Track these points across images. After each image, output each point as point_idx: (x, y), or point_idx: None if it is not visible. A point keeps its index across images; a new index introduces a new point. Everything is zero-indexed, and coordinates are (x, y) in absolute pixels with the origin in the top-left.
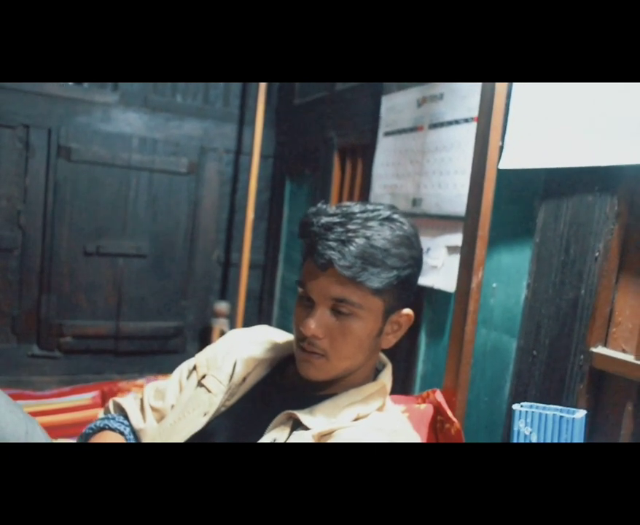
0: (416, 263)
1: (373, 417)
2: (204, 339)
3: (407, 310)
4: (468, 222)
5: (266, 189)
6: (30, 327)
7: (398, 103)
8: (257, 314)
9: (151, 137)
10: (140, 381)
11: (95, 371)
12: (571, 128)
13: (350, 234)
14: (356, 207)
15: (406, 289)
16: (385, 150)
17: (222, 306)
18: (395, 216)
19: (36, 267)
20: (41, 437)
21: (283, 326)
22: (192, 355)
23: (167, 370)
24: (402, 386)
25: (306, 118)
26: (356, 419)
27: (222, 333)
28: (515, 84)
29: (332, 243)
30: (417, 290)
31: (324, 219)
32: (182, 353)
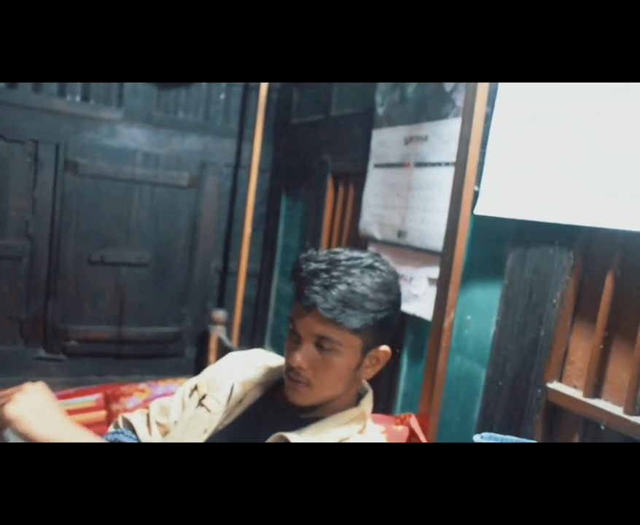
0: (393, 306)
1: (354, 439)
2: (202, 344)
3: (385, 347)
4: (442, 268)
5: (263, 203)
6: (36, 331)
7: (387, 139)
8: (253, 322)
9: (154, 152)
10: (141, 385)
11: (98, 373)
12: (539, 185)
13: (333, 280)
14: (342, 254)
15: (383, 329)
16: (374, 181)
17: (220, 314)
18: (376, 264)
19: (43, 275)
20: None
21: (277, 333)
22: (190, 359)
23: (166, 373)
24: (385, 403)
25: (302, 137)
26: (339, 441)
27: (219, 339)
28: (491, 134)
29: (317, 288)
30: (400, 318)
31: (312, 266)
32: (181, 357)
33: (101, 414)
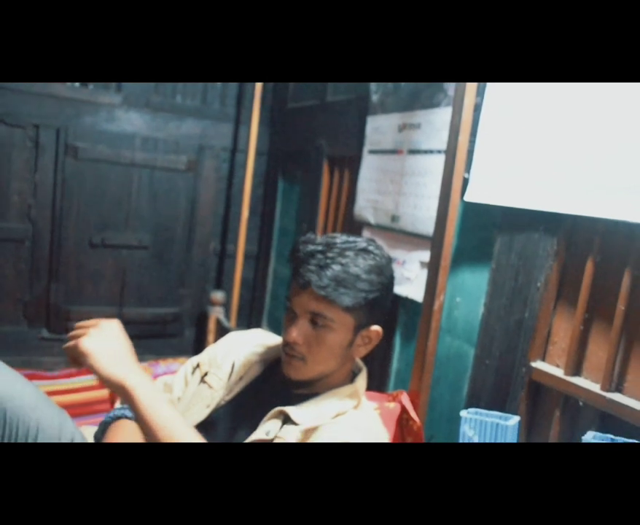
0: (385, 288)
1: (350, 414)
2: (200, 325)
3: (377, 327)
4: (432, 252)
5: (260, 185)
6: (40, 312)
7: (381, 125)
8: (250, 303)
9: (153, 136)
10: (143, 365)
11: None
12: (525, 174)
13: (328, 261)
14: (338, 238)
15: (375, 309)
16: (369, 167)
17: (218, 295)
18: (370, 248)
19: (45, 257)
20: (71, 427)
21: (274, 313)
22: (190, 339)
23: (166, 353)
24: (379, 381)
25: (298, 122)
26: (336, 416)
27: (217, 320)
28: (480, 123)
29: (312, 268)
30: (393, 299)
31: (309, 247)
32: (180, 337)
33: (104, 392)
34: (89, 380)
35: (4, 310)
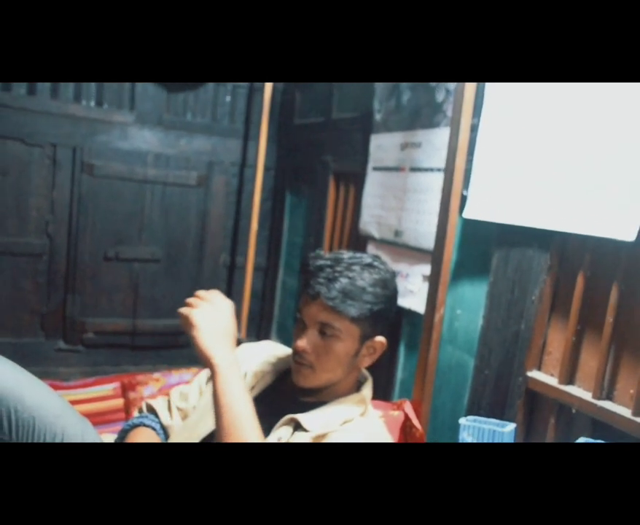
0: (389, 301)
1: (357, 422)
2: None
3: (381, 338)
4: (433, 267)
5: (268, 199)
6: (56, 324)
7: (384, 144)
8: (259, 313)
9: (165, 153)
10: (156, 375)
11: (114, 363)
12: (521, 193)
13: (336, 274)
14: (345, 254)
15: (380, 321)
16: (373, 183)
17: None
18: (375, 263)
19: (62, 271)
20: (93, 434)
21: (283, 324)
22: None
23: (177, 363)
24: (384, 390)
25: (305, 138)
26: (344, 423)
27: None
28: (478, 143)
29: (322, 280)
30: (397, 311)
31: (319, 262)
32: (191, 348)
33: (119, 402)
34: (104, 390)
35: (23, 322)
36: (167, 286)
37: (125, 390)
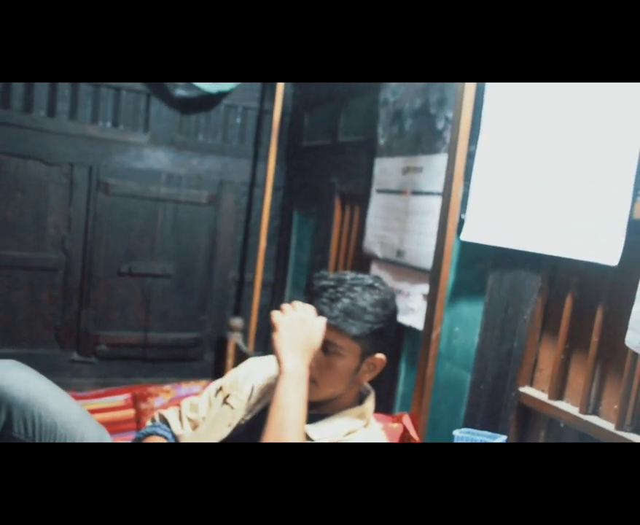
0: (389, 320)
1: (360, 432)
2: (220, 349)
3: (381, 355)
4: (431, 287)
5: (276, 218)
6: (71, 336)
7: (388, 168)
8: (267, 328)
9: (177, 172)
10: (166, 387)
11: (126, 375)
12: (514, 218)
13: (338, 294)
14: (348, 275)
15: (380, 339)
16: (376, 205)
17: (236, 321)
18: (376, 284)
19: (76, 285)
20: (109, 441)
21: None
22: (209, 363)
23: (187, 375)
24: (386, 404)
25: (312, 160)
26: (348, 434)
27: (236, 345)
28: (474, 170)
29: (325, 300)
30: (398, 328)
31: (322, 282)
32: (200, 361)
33: (130, 412)
34: (115, 400)
35: (39, 334)
36: (178, 300)
37: (136, 401)
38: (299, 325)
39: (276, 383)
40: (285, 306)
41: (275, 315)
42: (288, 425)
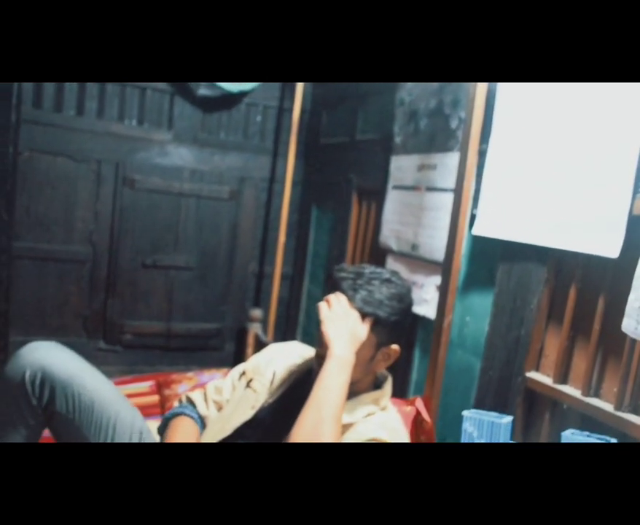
0: (404, 313)
1: (378, 415)
2: (240, 339)
3: (395, 346)
4: (443, 278)
5: (295, 213)
6: (97, 326)
7: (403, 165)
8: (286, 319)
9: (199, 169)
10: (189, 374)
11: (150, 363)
12: (522, 213)
13: (357, 286)
14: (367, 269)
15: (395, 331)
16: (392, 200)
17: (256, 312)
18: (393, 278)
19: (103, 277)
20: (140, 421)
21: (307, 329)
22: (230, 353)
23: (208, 364)
24: (400, 390)
25: (330, 157)
26: (367, 416)
27: (256, 335)
28: (486, 168)
29: (344, 291)
30: (412, 319)
31: (342, 275)
32: (221, 350)
33: (154, 398)
34: (140, 387)
35: (67, 323)
36: (199, 292)
37: (160, 387)
38: (346, 317)
39: (323, 366)
40: (329, 296)
41: (323, 307)
42: (328, 405)
